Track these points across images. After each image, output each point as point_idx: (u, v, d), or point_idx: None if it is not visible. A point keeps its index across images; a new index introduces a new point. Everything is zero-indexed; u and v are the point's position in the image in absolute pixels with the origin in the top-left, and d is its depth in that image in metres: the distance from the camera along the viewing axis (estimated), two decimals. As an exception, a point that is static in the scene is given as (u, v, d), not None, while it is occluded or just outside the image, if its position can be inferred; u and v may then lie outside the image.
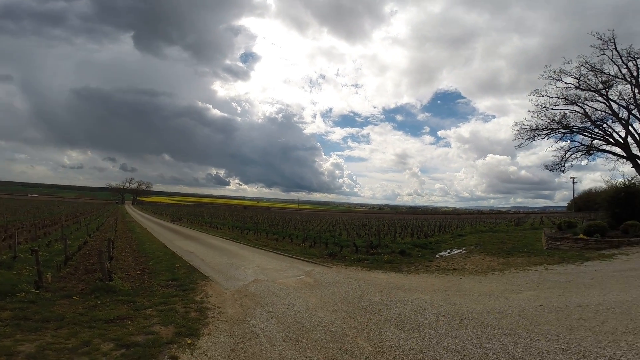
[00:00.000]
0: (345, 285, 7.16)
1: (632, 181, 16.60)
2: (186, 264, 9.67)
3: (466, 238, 19.19)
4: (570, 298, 5.77)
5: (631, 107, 20.94)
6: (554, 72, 22.70)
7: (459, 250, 14.02)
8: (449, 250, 14.05)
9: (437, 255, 12.50)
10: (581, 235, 12.39)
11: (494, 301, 5.86)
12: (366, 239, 14.31)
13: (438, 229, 22.75)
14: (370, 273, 8.75)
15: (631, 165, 20.79)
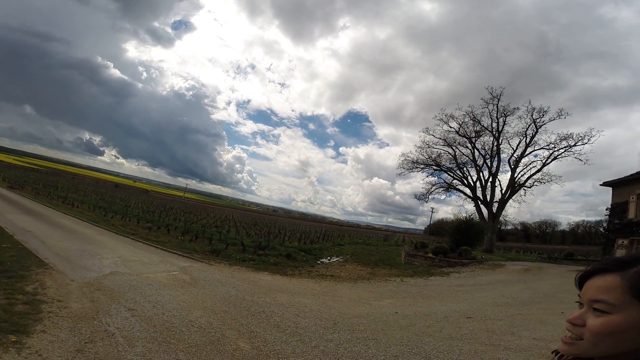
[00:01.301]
0: (227, 285, 6.76)
1: (471, 217, 21.80)
2: (17, 245, 7.52)
3: (344, 248, 21.09)
4: (419, 307, 6.78)
5: (487, 156, 26.40)
6: (445, 115, 26.82)
7: (337, 259, 15.24)
8: (329, 258, 15.11)
9: (319, 262, 13.25)
10: (430, 255, 15.18)
11: (361, 307, 6.42)
12: (255, 239, 14.05)
13: (322, 237, 24.30)
14: (255, 274, 8.55)
15: (473, 204, 26.51)
